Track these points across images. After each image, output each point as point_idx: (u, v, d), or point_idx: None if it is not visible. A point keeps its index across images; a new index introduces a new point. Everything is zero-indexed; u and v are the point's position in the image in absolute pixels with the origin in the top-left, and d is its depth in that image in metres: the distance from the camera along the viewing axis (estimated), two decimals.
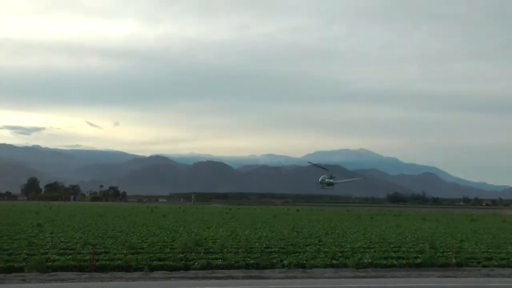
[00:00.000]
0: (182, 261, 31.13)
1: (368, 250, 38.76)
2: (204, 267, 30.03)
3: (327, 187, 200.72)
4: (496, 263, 33.98)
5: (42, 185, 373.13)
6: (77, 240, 42.42)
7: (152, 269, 29.14)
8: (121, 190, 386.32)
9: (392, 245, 42.84)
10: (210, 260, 31.33)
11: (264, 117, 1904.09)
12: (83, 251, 34.49)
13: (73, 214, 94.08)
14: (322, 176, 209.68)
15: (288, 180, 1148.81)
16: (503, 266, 33.64)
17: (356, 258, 33.08)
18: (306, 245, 41.10)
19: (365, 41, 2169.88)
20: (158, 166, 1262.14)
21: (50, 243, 39.00)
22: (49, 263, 29.04)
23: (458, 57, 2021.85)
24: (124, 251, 34.62)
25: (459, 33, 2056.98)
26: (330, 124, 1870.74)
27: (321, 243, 43.43)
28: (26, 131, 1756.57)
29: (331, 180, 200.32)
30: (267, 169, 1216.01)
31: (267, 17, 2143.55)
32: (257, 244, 41.31)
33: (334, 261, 32.31)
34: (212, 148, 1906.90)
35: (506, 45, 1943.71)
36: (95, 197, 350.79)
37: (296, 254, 35.17)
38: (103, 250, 35.37)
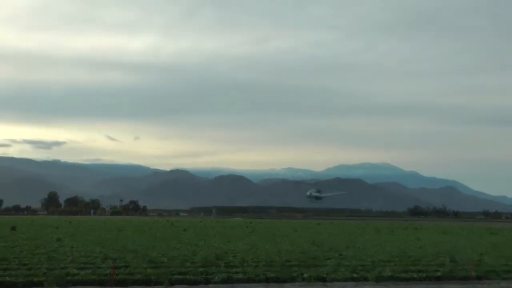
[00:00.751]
0: (203, 275, 31.19)
1: (388, 263, 38.67)
2: (224, 281, 30.09)
3: (315, 201, 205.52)
4: None
5: (62, 200, 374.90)
6: (97, 254, 42.58)
7: (172, 283, 29.22)
8: (141, 204, 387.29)
9: (412, 259, 42.69)
10: (231, 274, 31.37)
11: (284, 130, 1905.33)
12: (103, 265, 34.62)
13: (93, 228, 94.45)
14: (310, 191, 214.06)
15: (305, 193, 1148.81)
16: None
17: (376, 272, 33.02)
18: (327, 259, 41.05)
19: (386, 55, 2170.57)
20: (178, 180, 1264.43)
21: (70, 257, 39.20)
22: (69, 277, 29.20)
23: (478, 70, 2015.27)
24: (144, 265, 34.73)
25: (480, 46, 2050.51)
26: (351, 138, 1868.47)
27: (341, 256, 43.36)
28: (47, 145, 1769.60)
29: (318, 194, 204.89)
30: (287, 182, 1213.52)
31: (286, 31, 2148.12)
32: (277, 257, 41.31)
33: (355, 275, 32.26)
34: (233, 162, 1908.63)
35: None
36: (115, 211, 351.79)
37: (316, 268, 35.15)
38: (123, 264, 35.49)
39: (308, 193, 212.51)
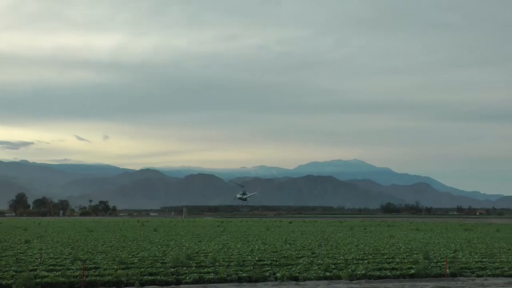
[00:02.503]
0: (174, 276, 31.03)
1: (361, 261, 38.77)
2: (196, 281, 29.96)
3: (242, 202, 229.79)
4: (490, 273, 34.03)
5: (30, 201, 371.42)
6: (66, 256, 42.24)
7: (143, 284, 29.04)
8: (111, 204, 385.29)
9: (385, 256, 42.85)
10: (202, 274, 31.25)
11: (255, 128, 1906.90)
12: (72, 267, 34.34)
13: (62, 230, 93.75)
14: (238, 194, 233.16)
15: (280, 192, 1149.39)
16: (497, 275, 33.69)
17: (349, 270, 33.08)
18: (299, 258, 41.08)
19: (358, 51, 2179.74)
20: (148, 180, 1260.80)
21: (39, 259, 38.85)
22: (38, 280, 28.88)
23: (450, 66, 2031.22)
24: (115, 267, 34.51)
25: (454, 42, 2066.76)
26: (323, 135, 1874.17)
27: (314, 255, 43.42)
28: (14, 146, 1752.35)
29: (241, 196, 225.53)
30: (259, 181, 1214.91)
31: (255, 28, 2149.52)
32: (249, 257, 41.26)
33: (328, 273, 32.28)
34: (203, 161, 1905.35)
35: (502, 55, 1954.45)
36: (84, 212, 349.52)
37: (289, 267, 35.14)
38: (93, 265, 35.24)
39: (238, 195, 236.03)
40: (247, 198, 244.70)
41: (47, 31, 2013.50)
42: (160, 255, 43.20)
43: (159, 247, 52.49)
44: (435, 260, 39.64)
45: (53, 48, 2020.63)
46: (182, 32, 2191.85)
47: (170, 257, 39.35)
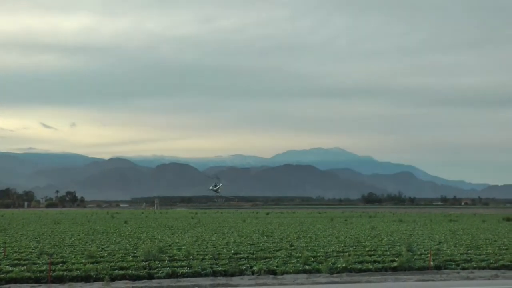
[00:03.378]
0: (145, 270, 31.00)
1: (342, 254, 38.92)
2: (168, 276, 29.94)
3: (215, 193, 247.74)
4: (475, 265, 34.31)
5: None
6: (32, 249, 42.04)
7: (113, 278, 28.98)
8: (78, 195, 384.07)
9: (367, 249, 43.05)
10: (175, 268, 31.22)
11: (231, 115, 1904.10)
12: (38, 261, 34.17)
13: (27, 222, 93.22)
14: (210, 186, 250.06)
15: (257, 181, 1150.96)
16: (483, 268, 33.97)
17: (329, 263, 33.20)
18: (277, 250, 41.17)
19: (337, 34, 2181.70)
20: (118, 169, 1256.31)
21: (3, 253, 38.61)
22: (2, 275, 28.72)
23: (433, 50, 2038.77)
24: (83, 260, 34.39)
25: (435, 24, 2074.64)
26: (302, 122, 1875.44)
27: (292, 247, 43.53)
28: None
29: (213, 188, 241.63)
30: (235, 170, 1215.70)
31: (232, 9, 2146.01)
32: (225, 250, 41.31)
33: (307, 267, 32.38)
34: (176, 149, 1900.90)
35: (487, 37, 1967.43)
36: (50, 204, 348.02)
37: (266, 260, 35.21)
38: (60, 259, 35.08)
39: (210, 188, 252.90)
40: (219, 190, 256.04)
41: (9, 11, 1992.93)
42: (131, 248, 43.11)
43: (130, 240, 52.39)
44: (418, 253, 39.89)
45: (16, 29, 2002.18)
46: (155, 13, 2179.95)
47: (141, 250, 39.29)
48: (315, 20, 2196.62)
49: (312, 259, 35.47)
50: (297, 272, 31.36)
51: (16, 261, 34.45)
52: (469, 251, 41.65)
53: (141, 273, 30.05)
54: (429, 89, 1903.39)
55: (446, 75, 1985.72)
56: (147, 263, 33.46)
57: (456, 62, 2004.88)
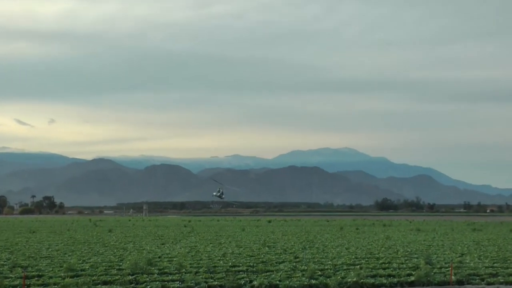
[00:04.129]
0: (132, 284, 30.99)
1: (352, 267, 38.88)
2: None
3: (219, 199, 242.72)
4: (502, 280, 34.25)
5: None
6: (4, 261, 42.00)
7: None
8: (57, 200, 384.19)
9: (381, 261, 43.02)
10: (166, 283, 31.22)
11: (229, 111, 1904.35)
12: (11, 275, 34.13)
13: None
14: (214, 192, 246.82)
15: (258, 185, 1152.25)
16: (510, 283, 33.92)
17: (338, 277, 33.17)
18: (280, 263, 41.15)
19: (347, 22, 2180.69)
20: (102, 171, 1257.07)
21: None
22: None
23: (457, 38, 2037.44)
24: (62, 274, 34.36)
25: (455, 11, 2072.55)
26: (308, 119, 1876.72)
27: (297, 259, 43.51)
28: None
29: (219, 194, 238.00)
30: (233, 173, 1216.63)
31: None
32: (221, 262, 41.29)
33: (313, 281, 32.35)
34: (167, 149, 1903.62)
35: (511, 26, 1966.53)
36: (25, 210, 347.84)
37: (267, 274, 35.18)
38: (36, 273, 35.05)
39: (214, 193, 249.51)
40: (223, 195, 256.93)
41: None
42: (116, 260, 43.09)
43: (115, 251, 52.35)
44: (438, 266, 39.85)
45: None
46: None
47: (127, 262, 39.26)
48: (323, 6, 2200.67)
49: (319, 273, 35.44)
50: (302, 286, 31.34)
51: None
52: (495, 264, 41.59)
53: None
54: (450, 83, 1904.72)
55: (470, 67, 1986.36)
56: (134, 277, 33.41)
57: (482, 53, 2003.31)
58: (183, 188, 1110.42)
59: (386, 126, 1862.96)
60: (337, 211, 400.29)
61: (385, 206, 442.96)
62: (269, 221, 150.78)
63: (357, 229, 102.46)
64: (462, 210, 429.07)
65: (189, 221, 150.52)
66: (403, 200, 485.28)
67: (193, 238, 72.77)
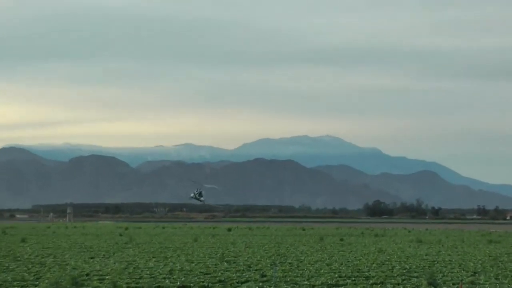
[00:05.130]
0: None
1: None
2: None
3: (199, 202, 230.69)
4: None
5: None
6: None
7: None
8: None
9: (371, 281, 43.24)
10: None
11: (179, 88, 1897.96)
12: None
13: None
14: (192, 194, 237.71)
15: (214, 183, 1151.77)
16: None
17: None
18: (243, 282, 41.25)
19: None
20: (13, 164, 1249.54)
21: None
22: None
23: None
24: None
25: None
26: (279, 99, 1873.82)
27: (264, 278, 43.61)
28: None
29: (197, 195, 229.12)
30: (183, 167, 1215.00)
31: None
32: (167, 281, 41.31)
33: None
34: (98, 136, 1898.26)
35: None
36: None
37: None
38: None
39: (191, 195, 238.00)
40: (202, 197, 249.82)
41: None
42: (32, 278, 42.92)
43: (30, 266, 52.17)
44: (444, 287, 40.09)
45: None
46: None
47: (46, 281, 39.14)
48: None
49: None
50: None
51: None
52: None
53: None
54: (463, 54, 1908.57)
55: (490, 34, 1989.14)
56: None
57: (507, 16, 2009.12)
58: (119, 186, 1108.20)
59: (379, 109, 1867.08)
60: (317, 217, 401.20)
61: (377, 210, 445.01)
62: (229, 229, 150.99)
63: (341, 240, 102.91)
64: (475, 216, 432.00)
65: (126, 229, 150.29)
66: (400, 203, 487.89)
67: (131, 250, 72.70)
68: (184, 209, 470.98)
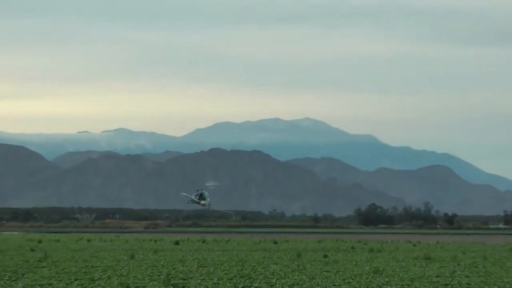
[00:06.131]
0: None
1: None
2: None
3: (202, 207, 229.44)
4: None
5: None
6: None
7: None
8: None
9: None
10: None
11: (108, 54, 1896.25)
12: None
13: None
14: (193, 196, 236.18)
15: (157, 182, 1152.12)
16: None
17: None
18: None
19: None
20: None
21: None
22: None
23: None
24: None
25: None
26: (242, 69, 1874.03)
27: None
28: None
29: (196, 197, 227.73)
30: (115, 159, 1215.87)
31: None
32: None
33: None
34: (3, 120, 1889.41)
35: None
36: None
37: None
38: None
39: (192, 197, 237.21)
40: (206, 200, 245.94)
41: None
42: None
43: None
44: None
45: None
46: None
47: None
48: None
49: None
50: None
51: None
52: None
53: None
54: (483, 12, 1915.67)
55: None
56: None
57: None
58: (30, 185, 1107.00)
59: (374, 83, 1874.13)
60: (293, 226, 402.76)
61: (372, 218, 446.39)
62: (177, 242, 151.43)
63: (325, 256, 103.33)
64: (501, 225, 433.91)
65: (40, 242, 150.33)
66: (403, 208, 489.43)
67: (46, 270, 72.67)
68: (117, 216, 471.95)
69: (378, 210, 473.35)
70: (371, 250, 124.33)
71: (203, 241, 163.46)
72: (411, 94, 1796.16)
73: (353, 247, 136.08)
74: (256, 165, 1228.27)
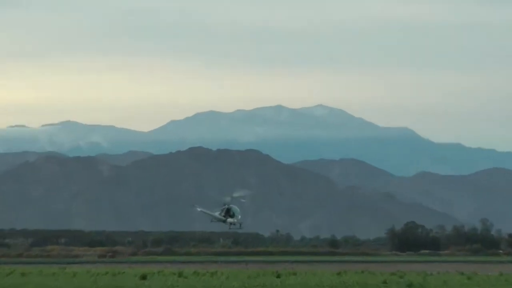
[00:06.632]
0: None
1: None
2: None
3: (231, 225, 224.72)
4: None
5: None
6: None
7: None
8: None
9: None
10: None
11: (56, 28, 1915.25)
12: None
13: None
14: (217, 212, 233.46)
15: (117, 192, 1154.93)
16: None
17: None
18: None
19: None
20: None
21: None
22: None
23: None
24: None
25: None
26: (229, 41, 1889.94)
27: None
28: None
29: (223, 214, 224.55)
30: (60, 163, 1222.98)
31: None
32: None
33: None
34: None
35: None
36: None
37: None
38: None
39: (217, 214, 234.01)
40: (235, 217, 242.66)
41: None
42: None
43: None
44: None
45: None
46: None
47: None
48: None
49: None
50: None
51: None
52: None
53: None
54: None
55: None
56: None
57: None
58: None
59: (413, 58, 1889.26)
60: (303, 253, 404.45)
61: (411, 240, 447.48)
62: (143, 277, 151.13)
63: None
64: None
65: None
66: (452, 228, 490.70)
67: None
68: (62, 240, 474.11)
69: (419, 230, 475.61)
70: (409, 286, 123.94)
71: (180, 275, 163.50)
72: (462, 73, 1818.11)
73: (385, 282, 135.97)
74: (251, 169, 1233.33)
